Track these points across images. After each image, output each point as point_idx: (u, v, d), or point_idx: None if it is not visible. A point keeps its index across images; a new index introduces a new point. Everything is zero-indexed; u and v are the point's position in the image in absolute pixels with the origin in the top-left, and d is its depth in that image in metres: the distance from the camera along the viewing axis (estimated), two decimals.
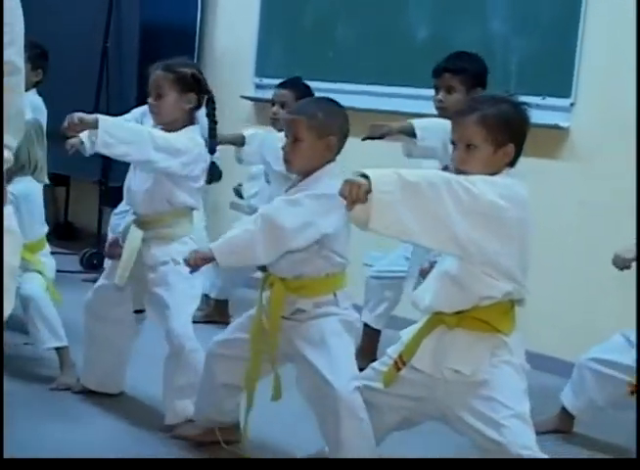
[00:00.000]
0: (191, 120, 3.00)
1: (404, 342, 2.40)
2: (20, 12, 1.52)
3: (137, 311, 3.12)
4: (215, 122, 3.04)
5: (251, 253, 2.51)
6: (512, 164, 2.35)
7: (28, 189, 3.33)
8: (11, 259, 1.53)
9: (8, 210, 1.55)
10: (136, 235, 2.98)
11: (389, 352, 2.46)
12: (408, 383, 2.36)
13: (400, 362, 2.37)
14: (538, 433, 3.04)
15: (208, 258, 2.54)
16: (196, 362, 2.88)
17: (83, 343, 3.21)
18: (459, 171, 2.30)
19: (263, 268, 2.69)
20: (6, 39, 1.47)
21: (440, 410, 2.36)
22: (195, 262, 2.57)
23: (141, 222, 3.01)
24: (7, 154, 1.51)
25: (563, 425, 3.21)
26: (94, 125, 2.78)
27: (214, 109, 3.04)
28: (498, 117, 2.29)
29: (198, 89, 2.99)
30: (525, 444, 2.21)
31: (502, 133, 2.29)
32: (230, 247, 2.56)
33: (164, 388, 2.98)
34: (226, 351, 2.71)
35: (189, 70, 2.98)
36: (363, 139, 3.20)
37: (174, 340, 2.90)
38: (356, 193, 2.05)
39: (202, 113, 3.09)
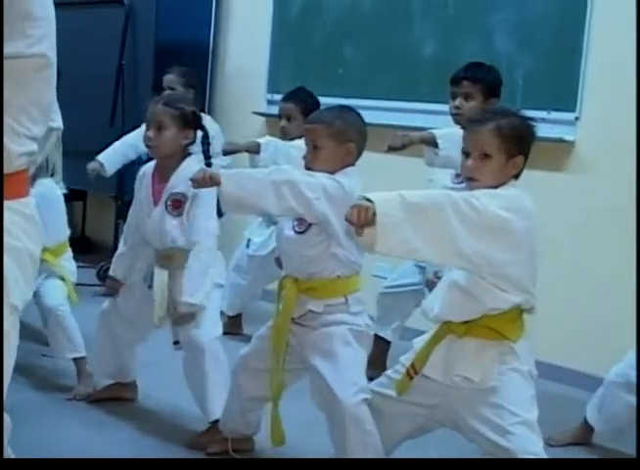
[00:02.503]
0: (185, 155, 3.06)
1: (416, 350, 2.44)
2: (52, 7, 1.55)
3: (176, 342, 3.12)
4: (210, 157, 3.09)
5: (258, 195, 2.50)
6: (517, 176, 2.39)
7: (49, 192, 3.34)
8: (31, 246, 1.56)
9: (30, 200, 1.59)
10: (162, 274, 3.02)
11: (402, 359, 2.49)
12: (420, 390, 2.40)
13: (412, 371, 2.41)
14: (559, 446, 3.15)
15: (215, 181, 2.50)
16: (215, 354, 2.95)
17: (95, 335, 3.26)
18: (469, 180, 2.34)
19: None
20: (39, 33, 1.50)
21: (451, 418, 2.39)
22: (203, 181, 2.53)
23: (162, 257, 3.06)
24: (34, 146, 1.56)
25: (582, 437, 3.24)
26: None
27: (209, 144, 3.10)
28: (512, 128, 2.33)
29: (196, 126, 3.05)
30: (532, 450, 2.24)
31: (515, 144, 2.32)
32: (240, 178, 2.54)
33: (196, 391, 2.99)
34: (250, 363, 2.76)
35: (189, 107, 3.05)
36: (387, 151, 3.25)
37: (194, 342, 2.95)
38: (364, 216, 2.08)
39: None
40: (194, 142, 3.08)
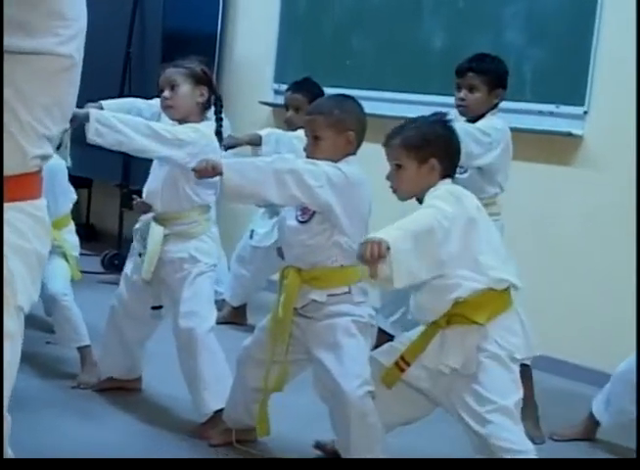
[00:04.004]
0: (202, 118, 3.05)
1: (411, 340, 2.51)
2: (84, 8, 1.55)
3: (154, 308, 3.15)
4: (221, 120, 3.08)
5: (261, 184, 2.50)
6: (448, 176, 2.51)
7: (51, 165, 3.30)
8: (39, 248, 1.56)
9: (42, 202, 1.59)
10: (158, 230, 3.02)
11: (408, 335, 2.57)
12: (416, 377, 2.49)
13: (403, 363, 2.48)
14: (563, 440, 3.20)
15: (217, 170, 2.50)
16: (210, 346, 2.94)
17: (103, 333, 3.26)
18: (394, 191, 2.52)
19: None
20: (69, 33, 1.51)
21: (443, 402, 2.49)
22: (205, 170, 2.53)
23: (160, 220, 3.05)
24: (49, 150, 1.57)
25: (587, 432, 3.25)
26: (85, 118, 2.81)
27: (222, 106, 3.10)
28: (417, 135, 2.49)
29: (208, 83, 3.05)
30: (506, 436, 2.33)
31: (422, 150, 2.47)
32: (242, 167, 2.54)
33: (191, 383, 2.99)
34: (254, 354, 2.76)
35: (198, 65, 3.06)
36: (383, 144, 3.25)
37: (186, 336, 2.95)
38: (377, 251, 2.14)
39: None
40: (209, 104, 3.07)
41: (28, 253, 1.53)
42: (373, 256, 2.14)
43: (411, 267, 2.22)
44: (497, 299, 2.42)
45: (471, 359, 2.37)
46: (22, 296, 1.53)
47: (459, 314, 2.39)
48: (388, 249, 2.15)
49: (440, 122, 2.56)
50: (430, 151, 2.47)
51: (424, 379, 2.47)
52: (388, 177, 2.53)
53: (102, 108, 4.06)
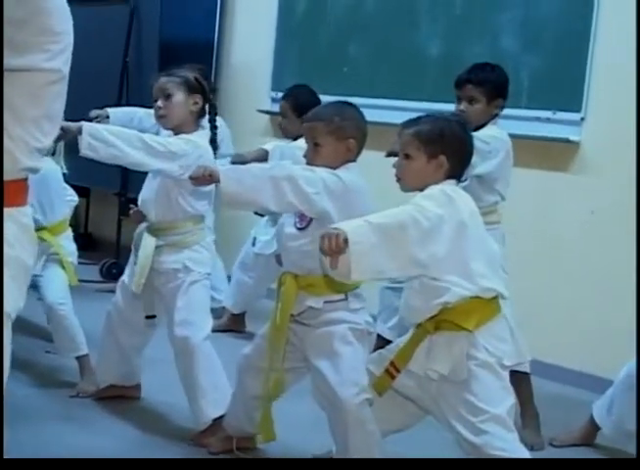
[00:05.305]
0: (197, 126, 3.05)
1: (399, 347, 2.49)
2: (71, 21, 1.58)
3: (148, 317, 3.15)
4: (216, 127, 3.08)
5: (257, 191, 2.50)
6: (453, 176, 2.46)
7: (47, 171, 3.20)
8: (23, 255, 1.58)
9: (28, 209, 1.61)
10: (149, 242, 3.01)
11: (398, 341, 2.55)
12: (404, 385, 2.47)
13: (394, 369, 2.46)
14: (562, 446, 3.19)
15: (214, 178, 2.50)
16: (206, 354, 2.94)
17: (100, 340, 3.26)
18: (398, 179, 2.47)
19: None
20: (57, 47, 1.54)
21: (432, 409, 2.47)
22: (202, 178, 2.53)
23: (153, 230, 3.05)
24: (40, 163, 1.59)
25: (586, 438, 3.24)
26: (78, 132, 2.79)
27: (216, 114, 3.10)
28: (431, 130, 2.44)
29: (202, 91, 3.04)
30: (500, 446, 2.31)
31: (434, 145, 2.42)
32: (239, 174, 2.53)
33: (188, 391, 2.99)
34: (254, 362, 2.75)
35: (191, 73, 3.04)
36: (387, 156, 3.27)
37: (183, 344, 2.95)
38: (335, 243, 2.13)
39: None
40: (204, 112, 3.06)
41: (10, 258, 1.54)
42: (331, 248, 2.13)
43: (375, 262, 2.19)
44: (485, 306, 2.40)
45: (460, 366, 2.34)
46: (9, 302, 1.54)
47: (447, 320, 2.37)
48: (347, 241, 2.13)
49: (459, 123, 2.53)
50: (441, 147, 2.42)
51: (412, 386, 2.46)
52: (396, 165, 2.50)
53: (107, 115, 4.08)
